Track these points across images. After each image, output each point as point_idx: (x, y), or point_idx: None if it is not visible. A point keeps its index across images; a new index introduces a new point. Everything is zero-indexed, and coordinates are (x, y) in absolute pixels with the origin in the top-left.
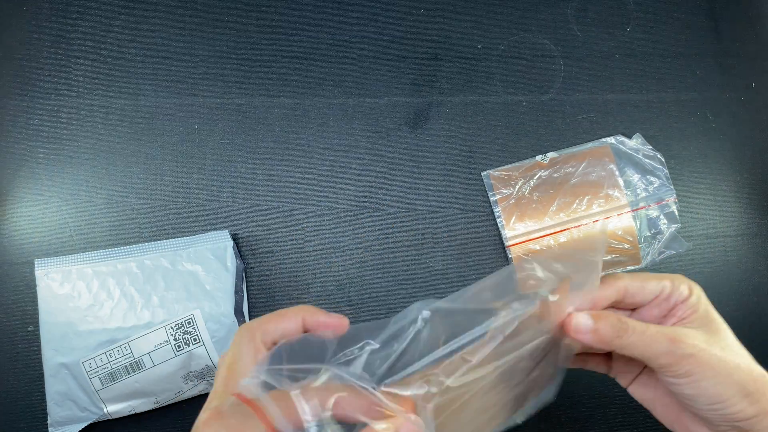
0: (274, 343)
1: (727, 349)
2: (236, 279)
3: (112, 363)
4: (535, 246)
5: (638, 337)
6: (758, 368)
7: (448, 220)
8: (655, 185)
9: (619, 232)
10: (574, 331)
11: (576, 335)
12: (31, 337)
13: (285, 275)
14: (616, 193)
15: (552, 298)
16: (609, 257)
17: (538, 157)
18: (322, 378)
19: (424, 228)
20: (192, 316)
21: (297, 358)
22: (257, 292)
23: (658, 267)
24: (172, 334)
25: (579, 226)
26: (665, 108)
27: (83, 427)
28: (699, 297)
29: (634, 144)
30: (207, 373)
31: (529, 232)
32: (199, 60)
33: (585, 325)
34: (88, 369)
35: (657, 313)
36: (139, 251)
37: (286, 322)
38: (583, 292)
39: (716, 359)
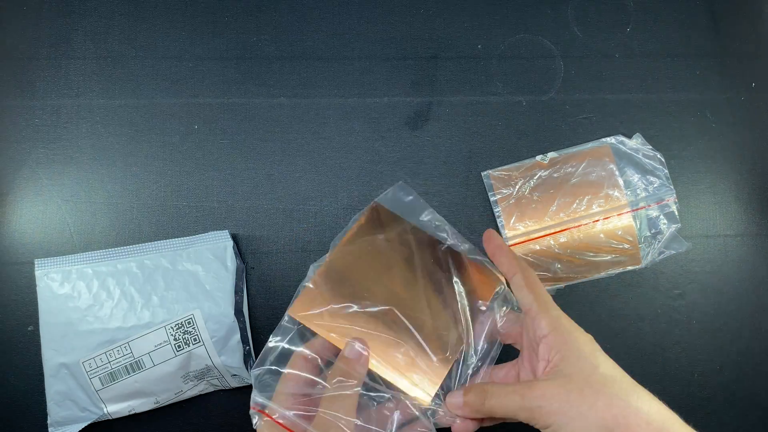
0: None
1: (585, 389)
2: (236, 279)
3: (112, 363)
4: (535, 246)
5: (497, 398)
6: (622, 401)
7: (448, 219)
8: (655, 185)
9: (619, 232)
10: (452, 409)
11: (454, 411)
12: (31, 337)
13: (285, 275)
14: (616, 193)
15: None
16: (609, 257)
17: (538, 157)
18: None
19: None
20: (192, 316)
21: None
22: (257, 292)
23: (658, 267)
24: (172, 334)
25: (579, 226)
26: (665, 108)
27: (83, 427)
28: (557, 335)
29: (634, 144)
30: (207, 373)
31: (529, 232)
32: (199, 60)
33: (456, 401)
34: (88, 369)
35: (531, 361)
36: (139, 251)
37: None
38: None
39: (567, 406)
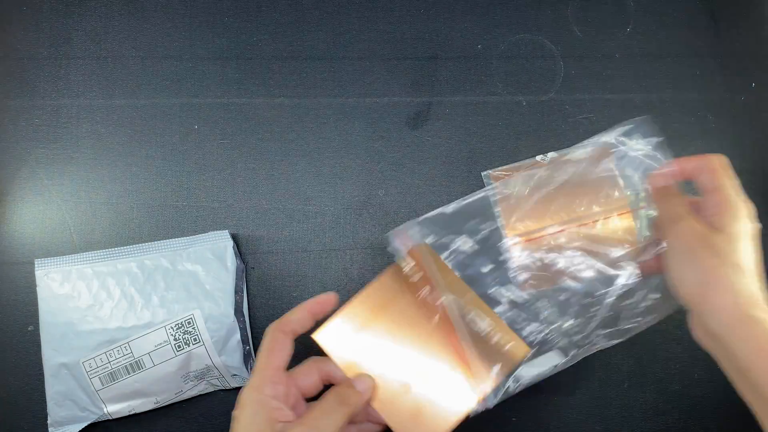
0: (295, 333)
1: (707, 247)
2: (236, 279)
3: (112, 363)
4: (535, 246)
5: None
6: (728, 277)
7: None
8: None
9: (619, 232)
10: (655, 176)
11: (651, 179)
12: (31, 337)
13: (285, 275)
14: (616, 193)
15: None
16: None
17: (538, 157)
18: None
19: None
20: (192, 316)
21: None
22: (257, 292)
23: None
24: (172, 334)
25: (579, 226)
26: (665, 108)
27: (83, 427)
28: (724, 200)
29: (635, 144)
30: (207, 373)
31: (529, 232)
32: (199, 60)
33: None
34: (88, 369)
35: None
36: (139, 251)
37: (299, 314)
38: None
39: (686, 248)
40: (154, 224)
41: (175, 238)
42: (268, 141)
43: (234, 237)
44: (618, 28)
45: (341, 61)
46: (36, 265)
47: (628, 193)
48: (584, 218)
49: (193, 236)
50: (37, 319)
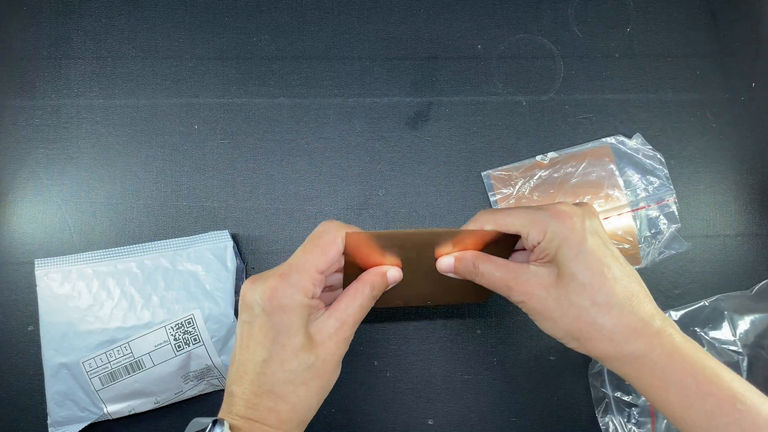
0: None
1: (562, 297)
2: (236, 279)
3: (112, 363)
4: None
5: (486, 279)
6: (591, 316)
7: (448, 220)
8: (655, 185)
9: (619, 232)
10: (440, 270)
11: (442, 272)
12: (31, 337)
13: None
14: (616, 193)
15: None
16: None
17: (538, 157)
18: None
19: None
20: (192, 316)
21: None
22: None
23: (658, 267)
24: (172, 334)
25: None
26: (665, 108)
27: (83, 427)
28: (551, 242)
29: (634, 144)
30: (207, 373)
31: None
32: (199, 60)
33: (447, 264)
34: (88, 369)
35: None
36: (139, 251)
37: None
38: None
39: (542, 307)
40: (154, 224)
41: (175, 238)
42: (268, 141)
43: (234, 237)
44: (618, 28)
45: (341, 61)
46: (36, 265)
47: (628, 193)
48: None
49: (193, 236)
50: (37, 319)
